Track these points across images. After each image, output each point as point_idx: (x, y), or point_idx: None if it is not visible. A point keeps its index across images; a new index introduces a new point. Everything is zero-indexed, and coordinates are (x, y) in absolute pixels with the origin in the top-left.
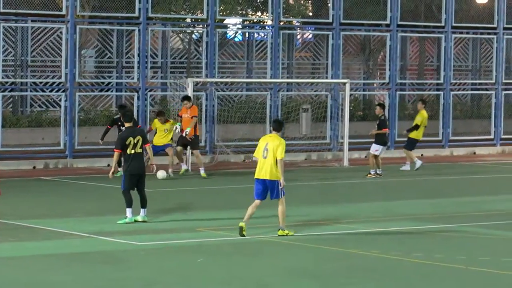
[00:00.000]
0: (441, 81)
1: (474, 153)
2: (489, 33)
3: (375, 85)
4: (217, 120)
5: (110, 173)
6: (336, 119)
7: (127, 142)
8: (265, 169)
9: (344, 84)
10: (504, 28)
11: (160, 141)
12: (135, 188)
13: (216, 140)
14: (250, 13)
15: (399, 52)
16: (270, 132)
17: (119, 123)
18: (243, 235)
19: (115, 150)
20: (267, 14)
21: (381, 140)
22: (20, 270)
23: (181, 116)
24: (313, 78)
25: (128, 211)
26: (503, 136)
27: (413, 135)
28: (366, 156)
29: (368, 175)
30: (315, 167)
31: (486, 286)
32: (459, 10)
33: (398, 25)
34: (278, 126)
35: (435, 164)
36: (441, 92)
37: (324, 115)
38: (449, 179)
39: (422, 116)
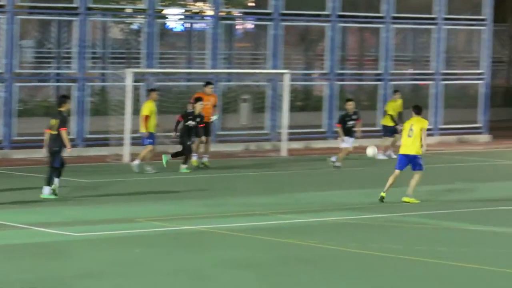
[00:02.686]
0: (381, 71)
1: None
2: (429, 24)
3: (314, 75)
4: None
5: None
6: (275, 109)
7: None
8: (409, 146)
9: (284, 74)
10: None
11: None
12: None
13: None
14: (191, 3)
15: (340, 42)
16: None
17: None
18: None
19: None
20: (208, 5)
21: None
22: None
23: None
24: (253, 68)
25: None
26: (441, 126)
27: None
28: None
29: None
30: (253, 157)
31: (421, 275)
32: (400, 0)
33: (338, 16)
34: (419, 110)
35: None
36: (381, 83)
37: (264, 105)
38: (385, 170)
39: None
